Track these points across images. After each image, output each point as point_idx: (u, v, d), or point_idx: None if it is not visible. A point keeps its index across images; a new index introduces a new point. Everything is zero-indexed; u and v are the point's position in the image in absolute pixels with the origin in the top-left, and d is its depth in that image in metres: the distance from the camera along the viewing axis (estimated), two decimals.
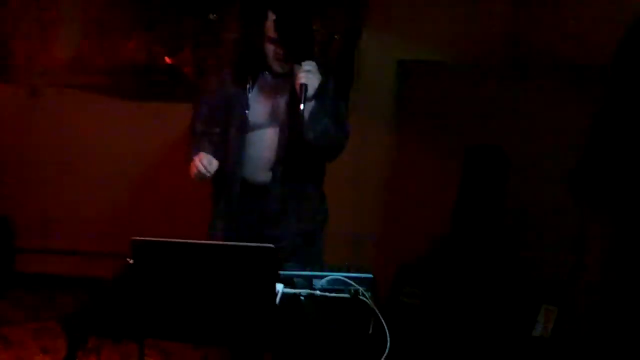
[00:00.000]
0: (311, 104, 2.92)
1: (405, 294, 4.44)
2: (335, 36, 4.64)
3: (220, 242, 2.34)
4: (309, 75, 2.86)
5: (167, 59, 4.88)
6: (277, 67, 3.02)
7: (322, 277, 2.66)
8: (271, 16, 2.92)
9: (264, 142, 3.04)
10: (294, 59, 2.94)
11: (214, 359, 3.77)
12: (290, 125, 2.98)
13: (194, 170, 2.97)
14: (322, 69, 2.95)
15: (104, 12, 4.88)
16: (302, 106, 2.85)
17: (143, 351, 3.00)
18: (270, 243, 2.19)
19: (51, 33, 5.03)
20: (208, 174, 2.94)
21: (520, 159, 4.45)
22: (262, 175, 3.06)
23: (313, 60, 2.91)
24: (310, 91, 2.87)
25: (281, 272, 2.63)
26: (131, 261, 2.56)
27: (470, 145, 4.50)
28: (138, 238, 2.25)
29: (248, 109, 3.02)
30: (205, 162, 2.93)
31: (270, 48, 2.96)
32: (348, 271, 2.70)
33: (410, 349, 3.78)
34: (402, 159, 4.78)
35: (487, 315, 4.21)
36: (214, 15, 4.75)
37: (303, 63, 2.89)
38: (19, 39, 5.09)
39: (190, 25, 4.82)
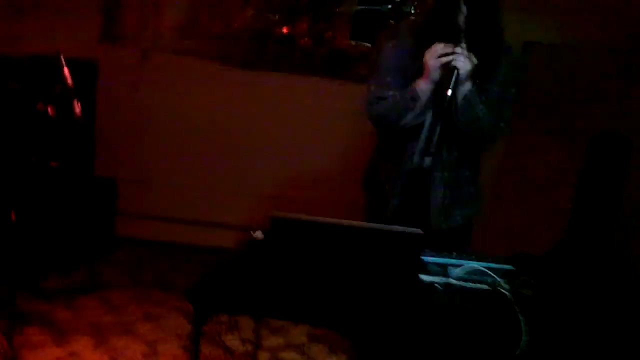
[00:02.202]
0: (465, 88, 2.73)
1: (518, 283, 4.26)
2: None
3: (365, 224, 2.20)
4: (460, 58, 2.66)
5: (284, 29, 4.78)
6: None
7: (457, 265, 2.51)
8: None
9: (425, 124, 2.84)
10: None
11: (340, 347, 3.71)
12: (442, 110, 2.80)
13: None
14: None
15: None
16: (449, 91, 2.67)
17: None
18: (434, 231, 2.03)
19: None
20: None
21: None
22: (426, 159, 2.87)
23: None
24: (462, 76, 2.67)
25: None
26: (257, 235, 2.47)
27: (595, 136, 4.28)
28: (277, 213, 2.13)
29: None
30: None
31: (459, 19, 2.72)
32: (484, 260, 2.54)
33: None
34: (521, 143, 4.57)
35: (603, 314, 4.00)
36: None
37: (459, 47, 2.67)
38: (132, 3, 5.05)
39: None
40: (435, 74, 2.72)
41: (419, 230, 2.07)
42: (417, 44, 2.78)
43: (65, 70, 3.74)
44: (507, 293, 2.40)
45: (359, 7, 4.66)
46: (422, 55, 2.74)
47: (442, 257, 2.56)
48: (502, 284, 2.45)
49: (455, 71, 2.65)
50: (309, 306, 2.15)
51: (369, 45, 4.67)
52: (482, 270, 2.50)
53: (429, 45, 2.72)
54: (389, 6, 4.59)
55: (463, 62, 2.66)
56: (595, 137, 4.30)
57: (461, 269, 2.50)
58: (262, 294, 2.22)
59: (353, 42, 4.71)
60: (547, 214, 4.36)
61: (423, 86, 2.75)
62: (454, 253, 2.59)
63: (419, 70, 2.75)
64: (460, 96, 2.73)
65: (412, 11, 4.51)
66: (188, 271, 4.75)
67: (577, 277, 4.11)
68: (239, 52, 4.84)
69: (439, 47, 2.70)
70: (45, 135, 3.89)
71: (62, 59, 3.75)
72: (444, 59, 2.68)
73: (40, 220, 4.28)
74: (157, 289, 4.52)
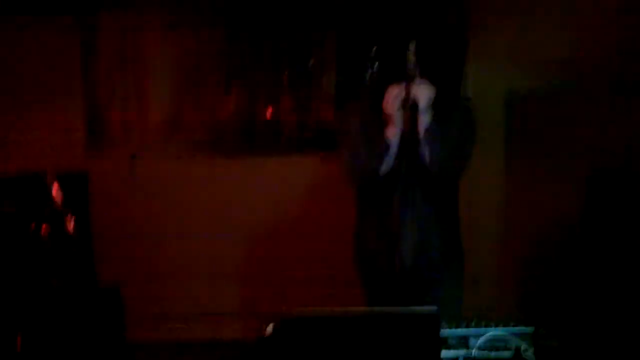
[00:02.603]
0: (426, 120, 2.78)
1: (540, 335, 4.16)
2: None
3: (377, 310, 2.13)
4: (419, 89, 2.75)
5: (268, 111, 4.79)
6: None
7: (479, 334, 2.42)
8: (412, 46, 2.80)
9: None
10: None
11: None
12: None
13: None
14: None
15: (197, 69, 4.82)
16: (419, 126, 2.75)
17: None
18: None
19: (146, 97, 4.98)
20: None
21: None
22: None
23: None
24: (422, 104, 2.75)
25: None
26: (268, 331, 2.39)
27: (594, 172, 4.24)
28: (286, 311, 2.06)
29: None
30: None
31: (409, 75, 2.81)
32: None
33: None
34: (516, 188, 4.55)
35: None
36: (312, 61, 4.64)
37: (415, 81, 2.76)
38: (114, 109, 5.06)
39: (287, 77, 4.73)
40: (399, 120, 2.74)
41: (434, 308, 1.99)
42: (375, 101, 2.86)
43: (55, 186, 3.72)
44: (531, 357, 2.32)
45: (339, 78, 4.67)
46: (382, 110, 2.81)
47: (462, 327, 2.49)
48: (526, 347, 2.36)
49: (415, 102, 2.73)
50: None
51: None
52: (504, 337, 2.42)
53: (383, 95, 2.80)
54: (368, 75, 4.59)
55: (422, 93, 2.73)
56: (591, 175, 4.25)
57: (482, 338, 2.42)
58: None
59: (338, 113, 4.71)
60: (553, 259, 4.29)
61: (391, 133, 2.79)
62: (474, 321, 2.51)
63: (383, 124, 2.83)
64: (422, 129, 2.77)
65: None
66: None
67: (597, 325, 4.05)
68: (227, 141, 4.83)
69: (394, 92, 2.74)
70: (42, 255, 3.84)
71: (51, 176, 3.73)
72: (401, 98, 2.71)
73: (46, 342, 4.18)
74: None
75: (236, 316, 4.76)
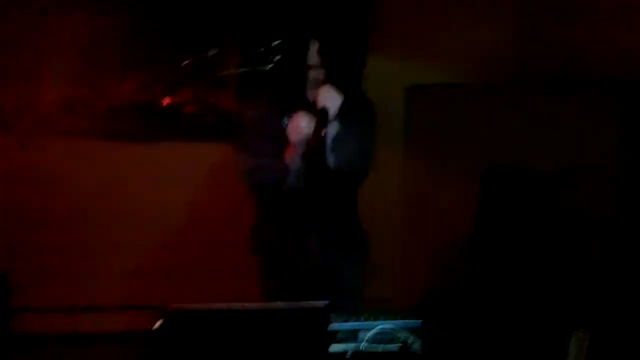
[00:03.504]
0: (334, 127, 2.79)
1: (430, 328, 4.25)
2: None
3: (267, 305, 2.12)
4: (327, 97, 2.74)
5: (166, 99, 4.69)
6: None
7: (369, 328, 2.45)
8: (314, 44, 2.79)
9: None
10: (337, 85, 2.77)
11: None
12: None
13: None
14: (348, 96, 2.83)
15: (96, 51, 4.68)
16: (323, 131, 2.73)
17: None
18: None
19: (41, 78, 4.79)
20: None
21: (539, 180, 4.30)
22: None
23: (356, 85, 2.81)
24: (332, 112, 2.76)
25: None
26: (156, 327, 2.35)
27: (488, 169, 4.35)
28: (172, 306, 2.03)
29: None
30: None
31: (312, 74, 2.83)
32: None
33: None
34: (415, 184, 4.61)
35: (517, 348, 4.03)
36: (214, 50, 4.57)
37: (322, 88, 2.77)
38: (7, 88, 4.85)
39: (189, 62, 4.64)
40: (300, 148, 2.75)
41: (324, 303, 2.00)
42: (274, 103, 2.89)
43: None
44: (418, 351, 2.37)
45: (242, 70, 4.62)
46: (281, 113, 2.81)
47: (353, 321, 2.50)
48: (414, 340, 2.41)
49: (324, 110, 2.73)
50: None
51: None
52: (392, 330, 2.45)
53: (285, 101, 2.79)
54: (271, 65, 4.57)
55: (331, 99, 2.72)
56: (486, 171, 4.36)
57: (372, 332, 2.45)
58: None
59: (238, 104, 4.66)
60: (450, 253, 4.38)
61: (290, 158, 2.79)
62: (363, 315, 2.53)
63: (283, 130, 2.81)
64: (329, 138, 2.78)
65: None
66: None
67: (485, 315, 4.16)
68: (124, 126, 4.70)
69: (300, 123, 2.74)
70: None
71: None
72: (321, 100, 2.71)
73: None
74: None
75: (125, 309, 4.63)
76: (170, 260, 4.78)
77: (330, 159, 2.82)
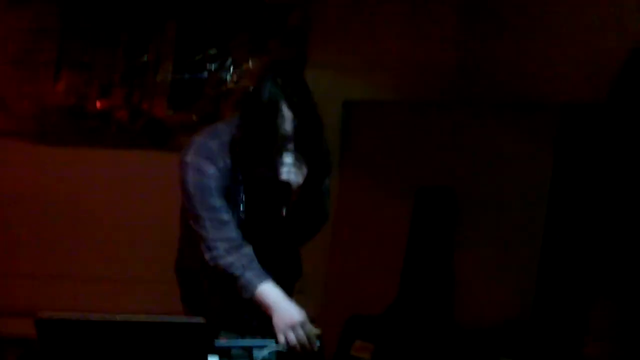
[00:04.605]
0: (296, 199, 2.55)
1: (354, 348, 4.19)
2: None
3: (143, 318, 2.02)
4: (291, 171, 2.37)
5: (98, 103, 4.59)
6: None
7: (262, 346, 2.37)
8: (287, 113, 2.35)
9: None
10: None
11: None
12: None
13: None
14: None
15: (26, 51, 4.56)
16: (284, 210, 2.55)
17: None
18: None
19: None
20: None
21: (472, 200, 4.26)
22: None
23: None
24: (294, 187, 2.43)
25: (217, 343, 2.33)
26: None
27: (421, 188, 4.31)
28: (42, 314, 1.93)
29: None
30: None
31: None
32: None
33: None
34: (348, 203, 4.53)
35: None
36: (148, 54, 4.49)
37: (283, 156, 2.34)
38: None
39: (122, 67, 4.55)
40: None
41: (200, 319, 1.92)
42: (236, 161, 2.48)
43: None
44: None
45: (176, 76, 4.55)
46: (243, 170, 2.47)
47: (247, 338, 2.43)
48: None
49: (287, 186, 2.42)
50: None
51: (188, 113, 4.57)
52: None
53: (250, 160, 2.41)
54: (206, 74, 4.51)
55: (295, 176, 2.38)
56: (419, 190, 4.33)
57: (267, 349, 2.37)
58: None
59: (171, 112, 4.58)
60: (381, 273, 4.32)
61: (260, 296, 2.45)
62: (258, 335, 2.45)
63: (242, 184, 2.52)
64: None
65: (229, 79, 4.47)
66: None
67: (411, 336, 4.12)
68: (52, 129, 4.59)
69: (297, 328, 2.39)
70: None
71: None
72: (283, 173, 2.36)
73: None
74: None
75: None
76: (98, 271, 4.66)
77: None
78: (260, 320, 2.51)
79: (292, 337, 2.37)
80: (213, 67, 4.48)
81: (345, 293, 4.43)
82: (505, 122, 4.29)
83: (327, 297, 4.50)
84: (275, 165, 2.35)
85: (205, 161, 2.47)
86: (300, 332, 2.38)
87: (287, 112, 2.33)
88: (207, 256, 2.48)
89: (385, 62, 4.51)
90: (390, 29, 4.54)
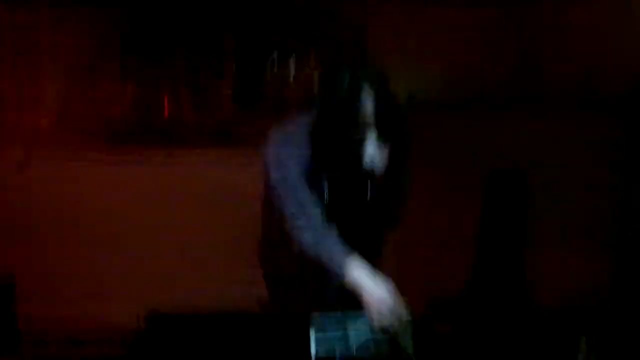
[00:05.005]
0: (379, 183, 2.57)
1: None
2: None
3: (248, 312, 2.06)
4: (375, 157, 2.40)
5: (166, 104, 4.69)
6: None
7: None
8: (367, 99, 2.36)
9: None
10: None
11: None
12: None
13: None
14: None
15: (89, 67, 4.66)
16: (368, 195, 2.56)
17: None
18: None
19: (38, 95, 4.78)
20: None
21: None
22: None
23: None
24: (378, 173, 2.47)
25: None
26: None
27: (493, 170, 4.33)
28: (154, 309, 2.00)
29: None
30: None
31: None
32: None
33: None
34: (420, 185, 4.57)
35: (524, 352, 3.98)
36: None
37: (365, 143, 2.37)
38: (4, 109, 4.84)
39: (184, 76, 4.64)
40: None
41: (303, 310, 1.97)
42: (317, 151, 2.49)
43: None
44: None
45: (238, 78, 4.61)
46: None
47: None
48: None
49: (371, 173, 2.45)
50: None
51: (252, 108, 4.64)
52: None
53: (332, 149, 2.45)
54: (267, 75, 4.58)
55: (379, 161, 2.42)
56: (491, 172, 4.34)
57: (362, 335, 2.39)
58: None
59: (236, 106, 4.65)
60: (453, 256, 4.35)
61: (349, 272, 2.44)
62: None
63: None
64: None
65: (290, 79, 4.52)
66: None
67: (489, 317, 4.10)
68: (125, 133, 4.70)
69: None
70: None
71: None
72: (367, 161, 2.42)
73: None
74: None
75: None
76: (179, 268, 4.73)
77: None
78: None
79: (385, 322, 2.40)
80: (274, 68, 4.55)
81: (417, 277, 4.46)
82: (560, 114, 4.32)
83: (399, 281, 4.53)
84: (358, 152, 2.38)
85: (285, 153, 2.52)
86: (392, 318, 2.41)
87: (367, 99, 2.34)
88: (296, 241, 2.52)
89: (444, 65, 4.54)
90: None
